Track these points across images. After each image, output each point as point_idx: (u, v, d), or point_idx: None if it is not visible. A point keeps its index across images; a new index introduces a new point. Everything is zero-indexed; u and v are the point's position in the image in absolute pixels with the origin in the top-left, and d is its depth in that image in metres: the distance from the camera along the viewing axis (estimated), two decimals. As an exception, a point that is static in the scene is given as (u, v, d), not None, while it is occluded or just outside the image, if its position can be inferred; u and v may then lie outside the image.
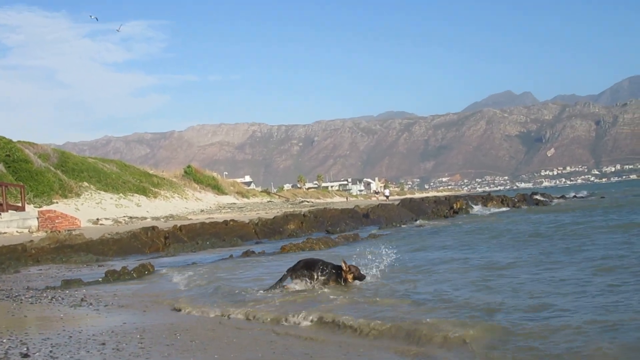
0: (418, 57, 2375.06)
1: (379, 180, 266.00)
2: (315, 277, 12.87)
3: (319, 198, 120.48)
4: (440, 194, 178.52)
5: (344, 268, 13.08)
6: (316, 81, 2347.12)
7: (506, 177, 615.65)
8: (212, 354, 7.78)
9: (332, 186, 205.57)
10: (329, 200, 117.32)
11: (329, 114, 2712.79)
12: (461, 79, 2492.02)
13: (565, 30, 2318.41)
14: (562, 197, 73.13)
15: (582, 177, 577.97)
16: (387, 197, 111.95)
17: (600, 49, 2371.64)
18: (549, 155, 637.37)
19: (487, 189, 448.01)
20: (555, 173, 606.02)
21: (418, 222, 41.49)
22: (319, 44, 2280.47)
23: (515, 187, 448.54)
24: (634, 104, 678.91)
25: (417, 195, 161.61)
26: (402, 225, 40.58)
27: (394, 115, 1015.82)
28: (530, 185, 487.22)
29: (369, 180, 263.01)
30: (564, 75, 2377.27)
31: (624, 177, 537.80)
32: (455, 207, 56.02)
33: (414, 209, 53.16)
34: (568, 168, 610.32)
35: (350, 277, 13.03)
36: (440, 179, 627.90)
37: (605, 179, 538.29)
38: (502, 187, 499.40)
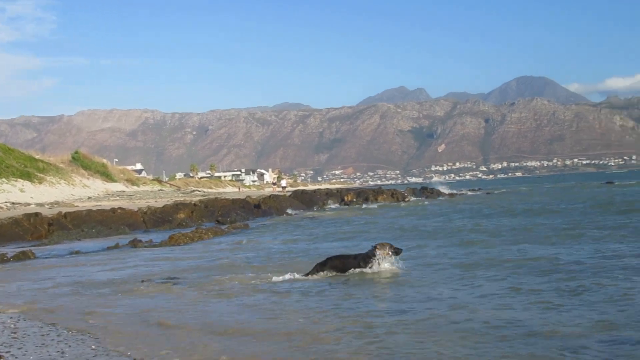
0: (315, 50, 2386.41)
1: (273, 172, 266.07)
2: None
3: (211, 188, 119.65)
4: (332, 186, 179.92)
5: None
6: (212, 70, 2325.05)
7: (398, 172, 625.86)
8: None
9: (225, 176, 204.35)
10: (221, 190, 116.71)
11: (224, 103, 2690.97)
12: (357, 73, 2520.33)
13: (458, 30, 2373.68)
14: (451, 193, 74.89)
15: (471, 173, 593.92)
16: (283, 187, 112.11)
17: (491, 50, 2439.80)
18: (439, 150, 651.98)
19: (379, 182, 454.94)
20: (445, 168, 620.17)
21: (309, 212, 41.92)
22: (216, 32, 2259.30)
23: (406, 181, 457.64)
24: (521, 104, 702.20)
25: (310, 187, 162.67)
26: (293, 215, 40.90)
27: (290, 106, 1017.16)
28: (420, 179, 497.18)
29: (263, 171, 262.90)
30: (456, 73, 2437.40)
31: (509, 174, 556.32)
32: (346, 199, 56.86)
33: (305, 200, 53.54)
34: (457, 164, 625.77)
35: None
36: (334, 171, 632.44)
37: (492, 175, 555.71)
38: (393, 181, 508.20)
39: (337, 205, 53.79)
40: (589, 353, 7.15)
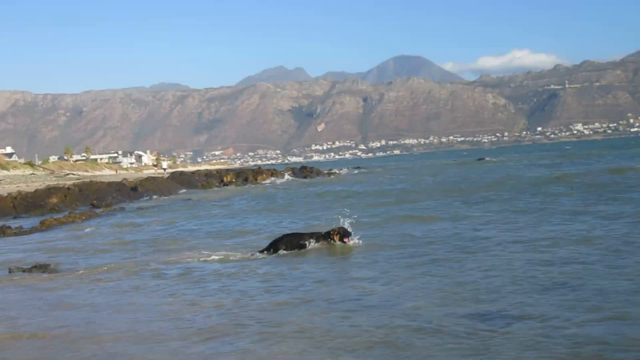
0: (192, 29, 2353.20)
1: (152, 153, 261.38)
2: None
3: (87, 171, 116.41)
4: (212, 167, 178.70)
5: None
6: (85, 49, 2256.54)
7: (278, 151, 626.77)
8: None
9: (101, 159, 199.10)
10: (98, 173, 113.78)
11: (99, 83, 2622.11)
12: (236, 52, 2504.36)
13: (336, 9, 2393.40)
14: (330, 171, 75.63)
15: (350, 151, 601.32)
16: (164, 169, 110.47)
17: (368, 29, 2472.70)
18: (319, 130, 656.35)
19: (259, 162, 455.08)
20: (325, 147, 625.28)
21: (185, 193, 41.54)
22: (87, 7, 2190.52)
23: (286, 161, 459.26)
24: (399, 83, 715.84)
25: (190, 168, 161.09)
26: (171, 197, 40.40)
27: (167, 87, 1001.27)
28: (301, 159, 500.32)
29: (141, 153, 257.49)
30: (335, 52, 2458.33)
31: (388, 152, 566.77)
32: (225, 180, 56.58)
33: (184, 182, 53.03)
34: (337, 143, 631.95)
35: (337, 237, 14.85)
36: (214, 152, 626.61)
37: (372, 154, 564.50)
38: (274, 161, 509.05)
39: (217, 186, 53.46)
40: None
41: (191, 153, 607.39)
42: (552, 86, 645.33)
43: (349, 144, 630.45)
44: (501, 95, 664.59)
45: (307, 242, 14.88)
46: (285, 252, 14.41)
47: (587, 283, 9.10)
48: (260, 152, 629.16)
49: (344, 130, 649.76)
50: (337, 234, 14.86)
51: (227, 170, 77.89)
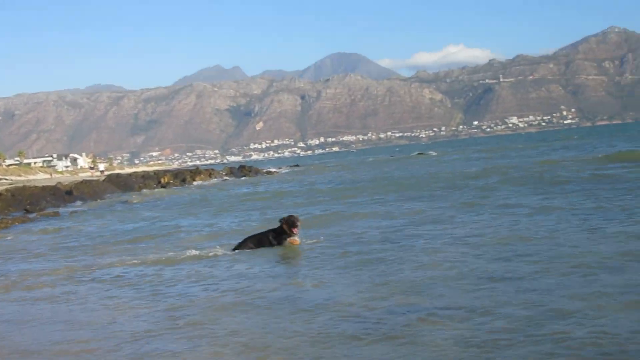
0: (125, 29, 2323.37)
1: (87, 156, 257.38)
2: None
3: (20, 175, 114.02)
4: (150, 168, 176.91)
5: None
6: (16, 51, 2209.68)
7: (217, 151, 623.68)
8: None
9: (35, 162, 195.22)
10: (31, 177, 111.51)
11: (31, 86, 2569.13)
12: (171, 52, 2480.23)
13: (269, 6, 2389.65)
14: (268, 171, 75.60)
15: (290, 149, 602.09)
16: (102, 172, 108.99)
17: (304, 26, 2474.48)
18: (257, 129, 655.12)
19: (197, 162, 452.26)
20: (264, 146, 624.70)
21: (121, 196, 41.01)
22: (16, 9, 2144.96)
23: (225, 161, 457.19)
24: (336, 80, 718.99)
25: (127, 170, 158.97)
26: (107, 199, 39.90)
27: (102, 88, 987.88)
28: (240, 158, 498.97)
29: (76, 155, 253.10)
30: (272, 50, 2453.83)
31: (327, 149, 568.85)
32: (162, 181, 56.06)
33: (120, 184, 52.28)
34: (276, 141, 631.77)
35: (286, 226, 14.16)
36: (151, 153, 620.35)
37: (311, 151, 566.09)
38: (212, 161, 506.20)
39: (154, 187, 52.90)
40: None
41: (128, 155, 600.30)
42: (487, 80, 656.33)
43: (287, 142, 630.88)
44: (437, 90, 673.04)
45: (267, 240, 14.33)
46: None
47: (512, 277, 9.20)
48: (199, 152, 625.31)
49: (283, 129, 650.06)
50: (285, 223, 14.20)
51: (165, 171, 77.29)
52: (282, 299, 8.97)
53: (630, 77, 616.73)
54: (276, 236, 14.26)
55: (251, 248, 14.05)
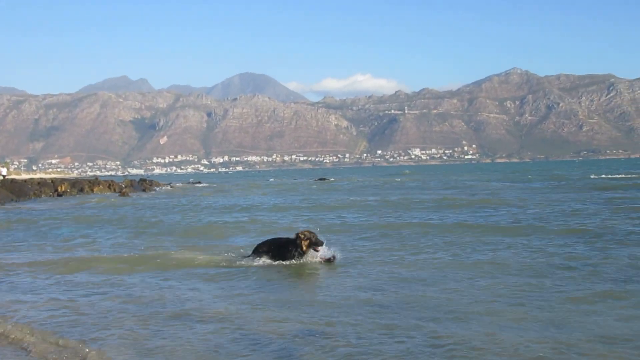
0: (30, 32, 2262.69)
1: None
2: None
3: None
4: (48, 175, 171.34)
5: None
6: None
7: (118, 162, 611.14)
8: None
9: None
10: None
11: None
12: (77, 58, 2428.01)
13: (181, 23, 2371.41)
14: (170, 184, 74.15)
15: (193, 166, 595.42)
16: (4, 176, 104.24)
17: (215, 44, 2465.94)
18: (161, 143, 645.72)
19: (98, 173, 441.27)
20: (167, 161, 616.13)
21: (14, 203, 38.88)
22: None
23: (127, 173, 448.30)
24: (243, 100, 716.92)
25: (24, 176, 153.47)
26: (-1, 207, 37.78)
27: (2, 90, 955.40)
28: (142, 171, 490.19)
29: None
30: (180, 65, 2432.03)
31: (230, 168, 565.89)
32: (59, 189, 53.74)
33: (15, 190, 49.77)
34: (180, 157, 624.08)
35: (306, 243, 13.18)
36: (50, 160, 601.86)
37: (214, 169, 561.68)
38: (113, 172, 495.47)
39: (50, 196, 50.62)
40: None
41: (26, 160, 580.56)
42: (392, 111, 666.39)
43: (191, 158, 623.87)
44: (343, 117, 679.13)
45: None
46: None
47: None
48: (100, 162, 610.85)
49: (187, 144, 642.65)
50: (306, 240, 13.19)
51: (63, 179, 74.28)
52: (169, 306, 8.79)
53: (529, 117, 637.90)
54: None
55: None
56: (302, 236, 13.34)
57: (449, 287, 10.81)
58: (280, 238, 14.36)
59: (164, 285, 11.58)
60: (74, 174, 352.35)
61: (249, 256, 13.96)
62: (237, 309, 9.46)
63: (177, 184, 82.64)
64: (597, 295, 9.82)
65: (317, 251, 13.32)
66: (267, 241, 14.22)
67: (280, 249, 13.57)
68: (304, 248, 13.25)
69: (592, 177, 66.39)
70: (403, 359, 6.94)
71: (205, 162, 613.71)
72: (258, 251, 13.89)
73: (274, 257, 13.52)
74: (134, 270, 13.32)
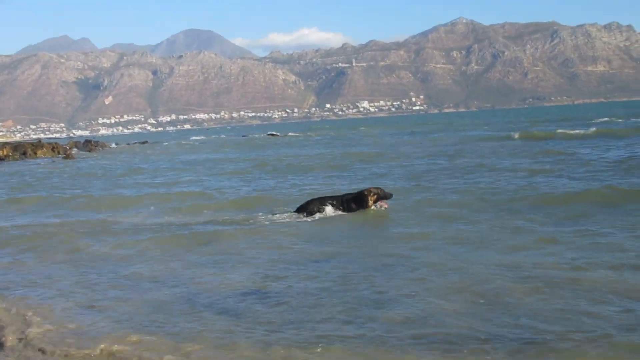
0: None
1: None
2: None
3: None
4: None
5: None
6: None
7: (62, 124, 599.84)
8: None
9: None
10: None
11: None
12: (15, 19, 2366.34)
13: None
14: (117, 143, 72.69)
15: (140, 125, 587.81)
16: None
17: (158, 0, 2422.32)
18: (106, 103, 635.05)
19: (42, 135, 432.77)
20: (113, 121, 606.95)
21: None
22: None
23: (72, 135, 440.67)
24: (189, 57, 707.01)
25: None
26: None
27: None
28: (87, 132, 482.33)
29: None
30: (123, 23, 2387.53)
31: (178, 126, 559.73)
32: (0, 154, 52.00)
33: (-49, 155, 47.95)
34: (125, 116, 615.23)
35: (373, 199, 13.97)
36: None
37: (162, 128, 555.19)
38: (58, 135, 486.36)
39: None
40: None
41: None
42: (340, 64, 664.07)
43: (138, 117, 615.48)
44: (291, 71, 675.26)
45: (326, 206, 14.09)
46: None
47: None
48: (44, 125, 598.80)
49: (133, 104, 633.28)
50: (373, 195, 13.80)
51: (4, 143, 71.96)
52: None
53: (475, 67, 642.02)
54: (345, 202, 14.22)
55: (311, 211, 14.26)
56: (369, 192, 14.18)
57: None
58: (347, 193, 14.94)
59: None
60: (17, 137, 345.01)
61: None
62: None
63: (125, 145, 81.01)
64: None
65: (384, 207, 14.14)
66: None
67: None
68: (370, 203, 14.06)
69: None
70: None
71: (152, 121, 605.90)
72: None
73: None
74: None
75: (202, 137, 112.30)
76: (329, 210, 14.04)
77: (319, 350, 6.16)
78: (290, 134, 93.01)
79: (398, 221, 12.84)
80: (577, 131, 42.60)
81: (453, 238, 10.79)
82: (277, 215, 14.43)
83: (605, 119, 70.08)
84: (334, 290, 8.14)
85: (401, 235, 11.34)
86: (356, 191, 14.57)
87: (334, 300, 7.68)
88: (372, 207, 13.96)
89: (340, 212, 14.04)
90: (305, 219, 13.80)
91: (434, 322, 6.75)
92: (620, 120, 65.75)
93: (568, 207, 13.05)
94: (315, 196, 15.17)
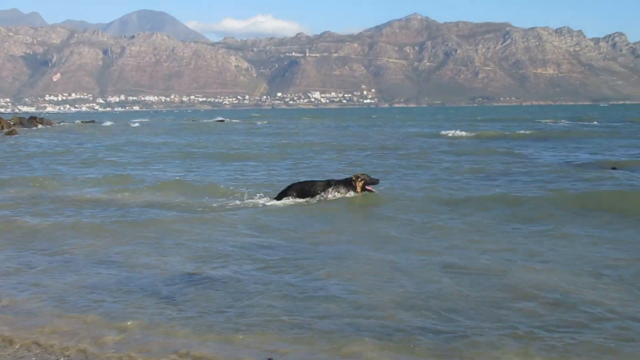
0: None
1: None
2: None
3: None
4: None
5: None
6: None
7: (8, 99, 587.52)
8: None
9: None
10: None
11: None
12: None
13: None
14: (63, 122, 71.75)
15: (87, 105, 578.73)
16: None
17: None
18: (54, 80, 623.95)
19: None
20: (60, 99, 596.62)
21: None
22: None
23: (17, 110, 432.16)
24: (141, 37, 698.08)
25: None
26: None
27: None
28: (33, 109, 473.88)
29: None
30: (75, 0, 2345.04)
31: (127, 107, 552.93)
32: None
33: None
34: (73, 95, 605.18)
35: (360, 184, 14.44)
36: None
37: (110, 108, 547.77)
38: (2, 110, 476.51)
39: None
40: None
41: None
42: (293, 54, 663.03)
43: (86, 96, 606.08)
44: (244, 58, 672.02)
45: (318, 190, 14.37)
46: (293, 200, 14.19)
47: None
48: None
49: (82, 82, 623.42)
50: (360, 181, 14.34)
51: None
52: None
53: (428, 63, 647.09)
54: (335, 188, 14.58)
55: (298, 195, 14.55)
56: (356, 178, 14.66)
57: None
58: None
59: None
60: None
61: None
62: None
63: (72, 123, 79.84)
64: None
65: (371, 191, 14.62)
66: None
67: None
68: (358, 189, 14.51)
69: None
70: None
71: (100, 101, 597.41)
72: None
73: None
74: None
75: (147, 120, 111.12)
76: (330, 194, 14.44)
77: (247, 334, 6.28)
78: (234, 120, 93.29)
79: (337, 214, 13.01)
80: (523, 132, 43.75)
81: (385, 235, 10.96)
82: (230, 203, 14.42)
83: (548, 120, 71.53)
84: (267, 277, 8.22)
85: (339, 228, 11.49)
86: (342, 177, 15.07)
87: (268, 287, 7.76)
88: (360, 193, 14.44)
89: (332, 197, 14.41)
90: (254, 205, 14.09)
91: (362, 312, 6.81)
92: (563, 122, 67.75)
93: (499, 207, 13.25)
94: (296, 181, 15.43)
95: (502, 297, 7.24)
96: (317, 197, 14.36)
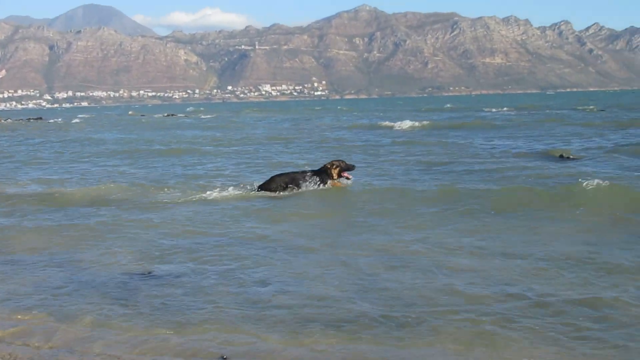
0: None
1: None
2: None
3: None
4: None
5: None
6: None
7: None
8: None
9: None
10: None
11: None
12: None
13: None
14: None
15: (34, 101, 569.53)
16: None
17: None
18: (0, 76, 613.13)
19: None
20: (6, 96, 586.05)
21: None
22: None
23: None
24: (88, 32, 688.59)
25: None
26: None
27: None
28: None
29: None
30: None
31: (75, 103, 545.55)
32: None
33: None
34: (20, 91, 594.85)
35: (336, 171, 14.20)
36: None
37: (57, 104, 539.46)
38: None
39: None
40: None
41: None
42: (242, 47, 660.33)
43: (33, 93, 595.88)
44: (193, 52, 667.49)
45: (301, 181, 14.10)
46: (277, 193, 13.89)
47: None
48: None
49: (28, 79, 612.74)
50: (335, 168, 14.07)
51: None
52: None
53: (377, 54, 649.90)
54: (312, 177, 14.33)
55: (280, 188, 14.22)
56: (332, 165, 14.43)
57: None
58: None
59: None
60: None
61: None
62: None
63: (18, 120, 78.70)
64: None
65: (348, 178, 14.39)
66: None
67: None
68: (335, 176, 14.30)
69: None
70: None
71: (47, 97, 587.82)
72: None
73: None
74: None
75: (93, 115, 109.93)
76: (304, 185, 14.18)
77: (198, 328, 6.30)
78: (179, 115, 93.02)
79: (287, 206, 13.03)
80: (470, 121, 44.25)
81: (332, 224, 11.18)
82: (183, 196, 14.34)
83: (493, 110, 72.33)
84: (217, 270, 8.28)
85: (287, 221, 11.58)
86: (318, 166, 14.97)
87: (218, 281, 7.82)
88: (337, 180, 14.24)
89: (310, 187, 14.15)
90: (209, 197, 13.95)
91: (312, 303, 6.92)
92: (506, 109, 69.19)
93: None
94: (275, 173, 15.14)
95: (441, 285, 7.37)
96: (302, 187, 14.12)
